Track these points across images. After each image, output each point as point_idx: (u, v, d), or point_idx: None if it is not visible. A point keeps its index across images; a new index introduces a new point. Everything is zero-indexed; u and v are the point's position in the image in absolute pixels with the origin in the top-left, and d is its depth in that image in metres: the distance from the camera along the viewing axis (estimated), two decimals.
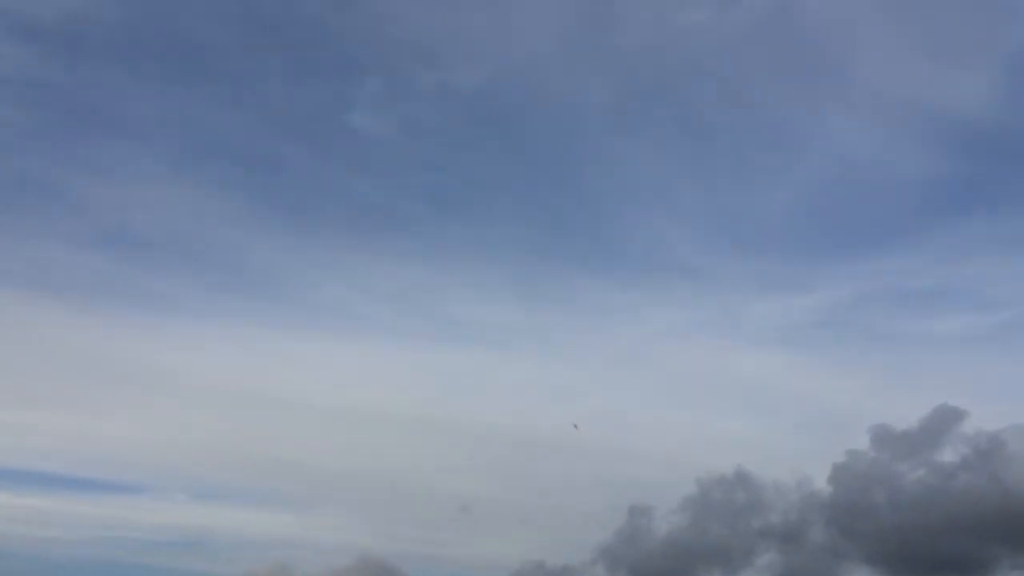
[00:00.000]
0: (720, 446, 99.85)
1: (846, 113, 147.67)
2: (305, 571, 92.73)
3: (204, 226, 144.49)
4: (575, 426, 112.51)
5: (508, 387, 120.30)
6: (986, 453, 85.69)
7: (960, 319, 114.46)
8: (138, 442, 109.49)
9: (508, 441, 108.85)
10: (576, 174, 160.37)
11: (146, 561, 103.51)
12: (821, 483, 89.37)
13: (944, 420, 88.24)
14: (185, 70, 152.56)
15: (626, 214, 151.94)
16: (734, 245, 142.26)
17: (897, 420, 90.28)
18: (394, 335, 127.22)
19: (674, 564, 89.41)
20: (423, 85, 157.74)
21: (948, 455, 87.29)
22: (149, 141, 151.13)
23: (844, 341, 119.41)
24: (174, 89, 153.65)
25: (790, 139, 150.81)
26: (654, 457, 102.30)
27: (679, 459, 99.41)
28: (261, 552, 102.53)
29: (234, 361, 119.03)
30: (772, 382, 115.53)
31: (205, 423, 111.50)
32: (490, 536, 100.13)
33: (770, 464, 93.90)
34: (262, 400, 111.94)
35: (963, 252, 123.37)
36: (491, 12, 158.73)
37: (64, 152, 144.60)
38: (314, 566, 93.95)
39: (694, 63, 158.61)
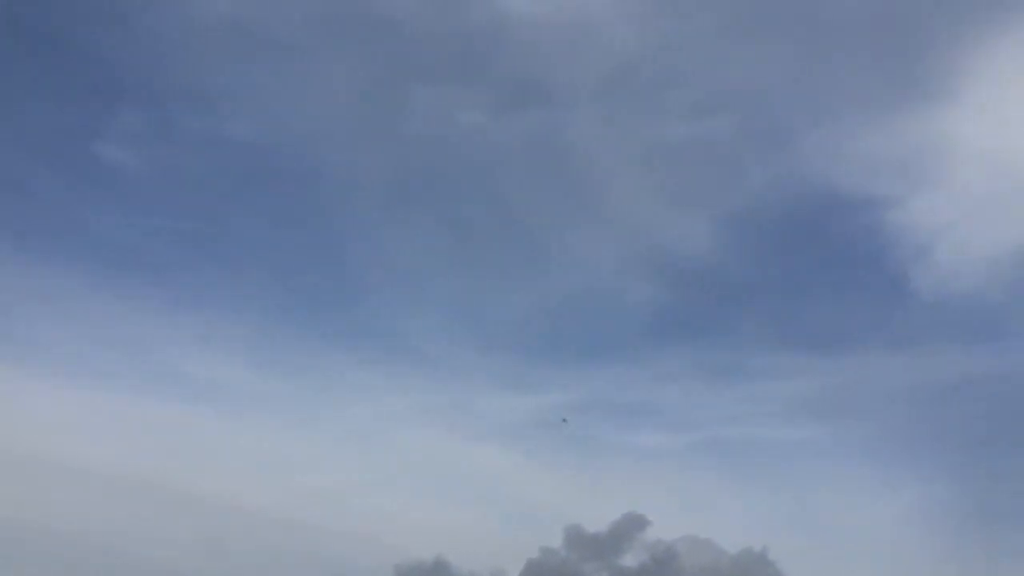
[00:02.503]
0: (425, 533, 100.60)
1: (590, 237, 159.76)
2: None
3: None
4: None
5: (229, 452, 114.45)
6: (662, 561, 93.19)
7: (656, 435, 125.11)
8: None
9: (219, 509, 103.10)
10: (336, 247, 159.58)
11: None
12: None
13: (630, 526, 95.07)
14: None
15: (377, 295, 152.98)
16: (473, 340, 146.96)
17: (590, 522, 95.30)
18: (113, 384, 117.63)
19: None
20: (190, 127, 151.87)
21: (629, 560, 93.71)
22: None
23: (556, 443, 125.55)
24: None
25: (539, 251, 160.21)
26: (360, 539, 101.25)
27: (384, 543, 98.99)
28: None
29: None
30: (485, 475, 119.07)
31: None
32: None
33: (470, 555, 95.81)
34: None
35: (669, 375, 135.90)
36: (280, 71, 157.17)
37: None
38: None
39: (467, 163, 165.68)
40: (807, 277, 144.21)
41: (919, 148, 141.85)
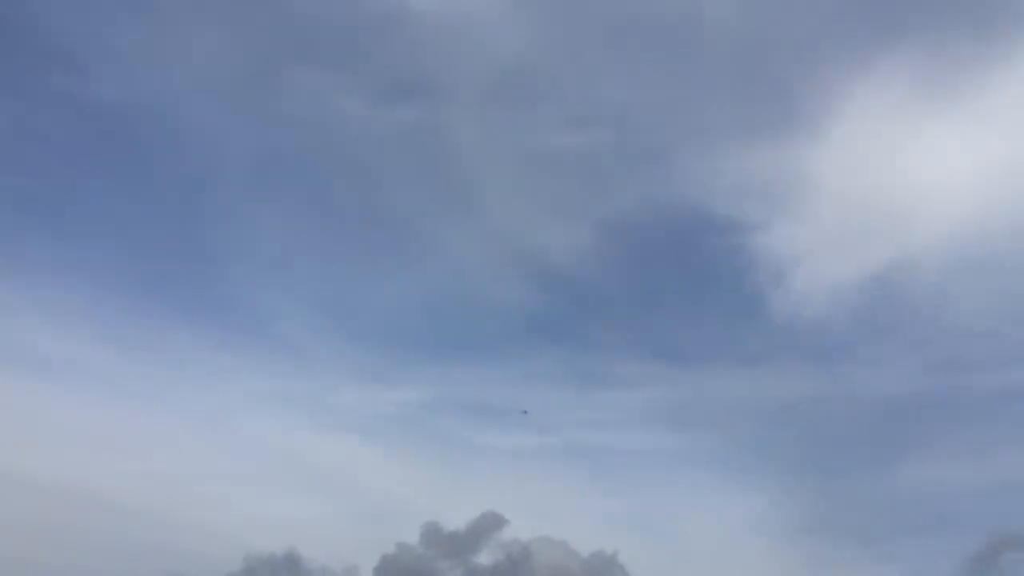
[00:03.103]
0: (277, 525, 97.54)
1: (465, 237, 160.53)
2: None
3: None
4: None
5: (69, 433, 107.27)
6: (516, 560, 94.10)
7: (518, 436, 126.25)
8: None
9: (56, 493, 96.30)
10: (198, 222, 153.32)
11: None
12: (367, 572, 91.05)
13: (487, 525, 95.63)
14: None
15: (240, 276, 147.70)
16: (339, 330, 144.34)
17: (448, 520, 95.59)
18: None
19: None
20: (50, 84, 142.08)
21: (485, 558, 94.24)
22: None
23: (417, 439, 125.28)
24: None
25: (412, 245, 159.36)
26: (207, 528, 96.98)
27: (233, 533, 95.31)
28: None
29: None
30: (343, 468, 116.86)
31: None
32: None
33: (324, 549, 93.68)
34: None
35: (534, 378, 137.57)
36: (153, 33, 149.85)
37: None
38: None
39: (344, 150, 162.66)
40: (671, 291, 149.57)
41: (783, 179, 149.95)
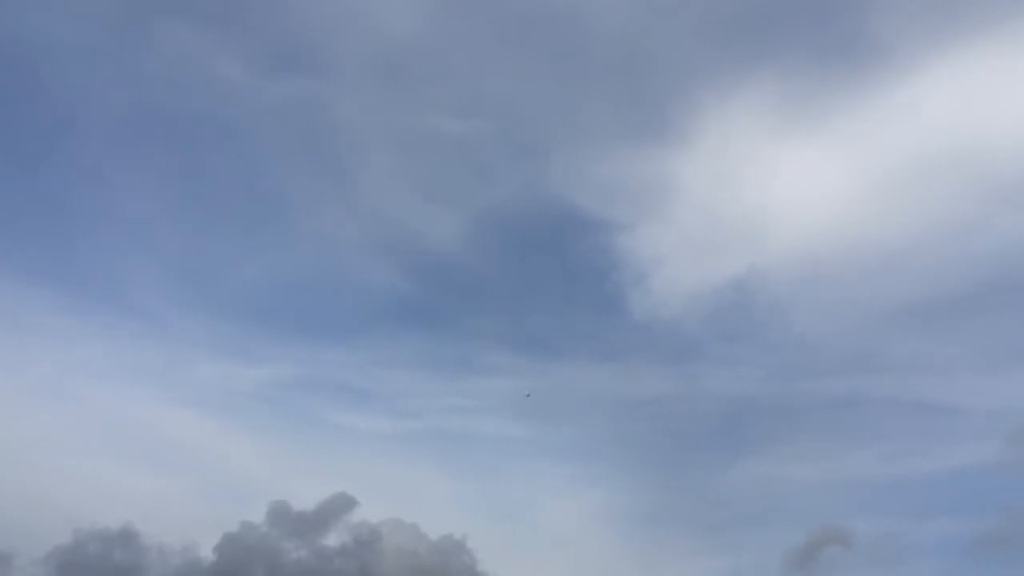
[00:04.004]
0: (114, 498, 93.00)
1: (339, 216, 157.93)
2: None
3: None
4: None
5: None
6: (365, 542, 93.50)
7: (376, 419, 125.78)
8: None
9: None
10: (51, 176, 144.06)
11: None
12: (208, 551, 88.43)
13: (338, 507, 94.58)
14: None
15: (94, 237, 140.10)
16: (199, 302, 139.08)
17: (298, 500, 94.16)
18: None
19: None
20: None
21: (332, 539, 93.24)
22: None
23: (273, 417, 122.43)
24: None
25: (283, 221, 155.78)
26: (34, 498, 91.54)
27: (63, 505, 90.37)
28: None
29: None
30: (190, 442, 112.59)
31: None
32: None
33: (163, 525, 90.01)
34: None
35: (397, 362, 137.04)
36: None
37: None
38: None
39: (218, 117, 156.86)
40: (539, 284, 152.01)
41: (651, 184, 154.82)
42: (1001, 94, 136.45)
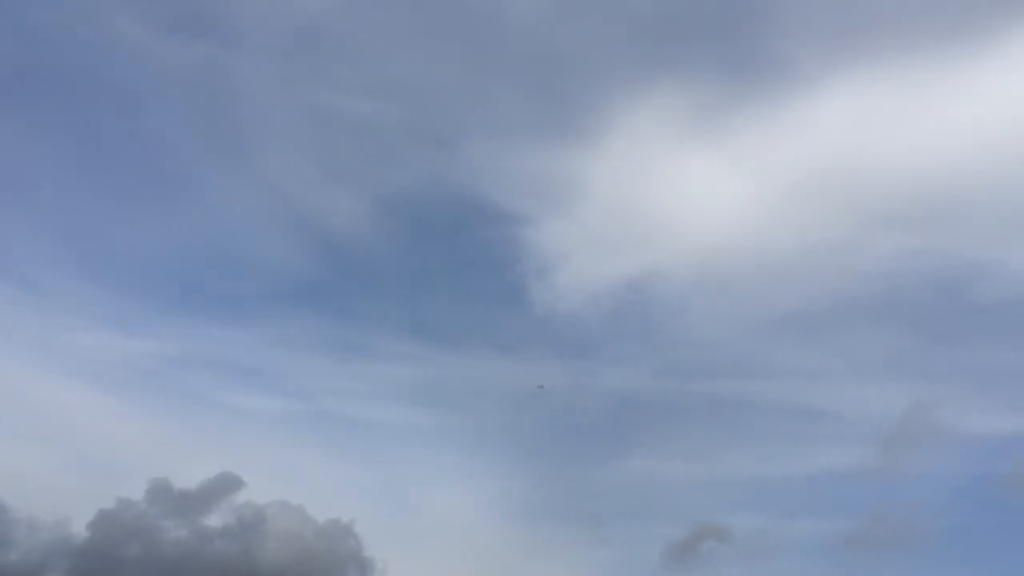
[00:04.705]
0: None
1: (238, 191, 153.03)
2: None
3: None
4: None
5: None
6: (249, 524, 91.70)
7: (265, 399, 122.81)
8: None
9: None
10: None
11: None
12: (81, 527, 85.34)
13: (222, 487, 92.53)
14: None
15: None
16: (83, 269, 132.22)
17: (180, 478, 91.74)
18: None
19: None
20: None
21: (215, 520, 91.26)
22: None
23: (157, 392, 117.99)
24: None
25: (179, 191, 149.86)
26: None
27: None
28: None
29: None
30: (68, 415, 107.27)
31: None
32: None
33: (33, 499, 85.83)
34: None
35: (290, 342, 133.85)
36: None
37: None
38: None
39: (114, 76, 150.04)
40: (440, 272, 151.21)
41: (558, 180, 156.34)
42: (890, 119, 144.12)
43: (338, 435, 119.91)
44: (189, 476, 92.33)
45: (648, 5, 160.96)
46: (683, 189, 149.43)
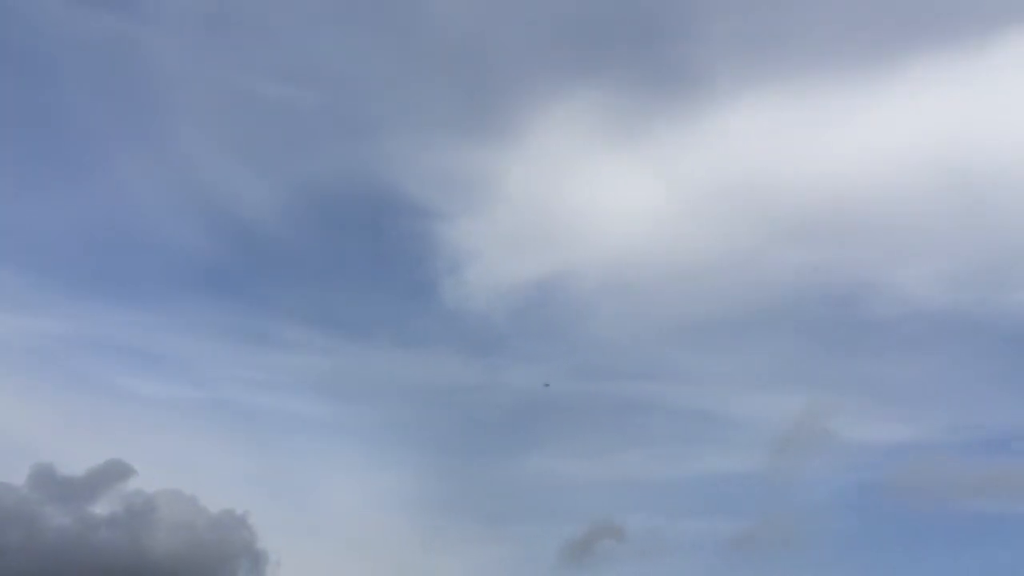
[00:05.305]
0: None
1: (146, 170, 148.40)
2: None
3: None
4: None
5: None
6: (138, 512, 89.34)
7: (162, 385, 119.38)
8: None
9: None
10: None
11: None
12: None
13: (111, 474, 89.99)
14: None
15: None
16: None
17: (66, 464, 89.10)
18: None
19: None
20: None
21: (102, 508, 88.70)
22: None
23: (48, 374, 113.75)
24: None
25: (84, 167, 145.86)
26: None
27: None
28: None
29: None
30: None
31: None
32: None
33: None
34: None
35: (191, 328, 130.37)
36: None
37: None
38: None
39: (20, 43, 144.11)
40: (352, 264, 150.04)
41: (474, 177, 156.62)
42: (798, 137, 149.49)
43: (237, 424, 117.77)
44: (75, 462, 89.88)
45: (573, 10, 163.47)
46: (597, 193, 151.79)
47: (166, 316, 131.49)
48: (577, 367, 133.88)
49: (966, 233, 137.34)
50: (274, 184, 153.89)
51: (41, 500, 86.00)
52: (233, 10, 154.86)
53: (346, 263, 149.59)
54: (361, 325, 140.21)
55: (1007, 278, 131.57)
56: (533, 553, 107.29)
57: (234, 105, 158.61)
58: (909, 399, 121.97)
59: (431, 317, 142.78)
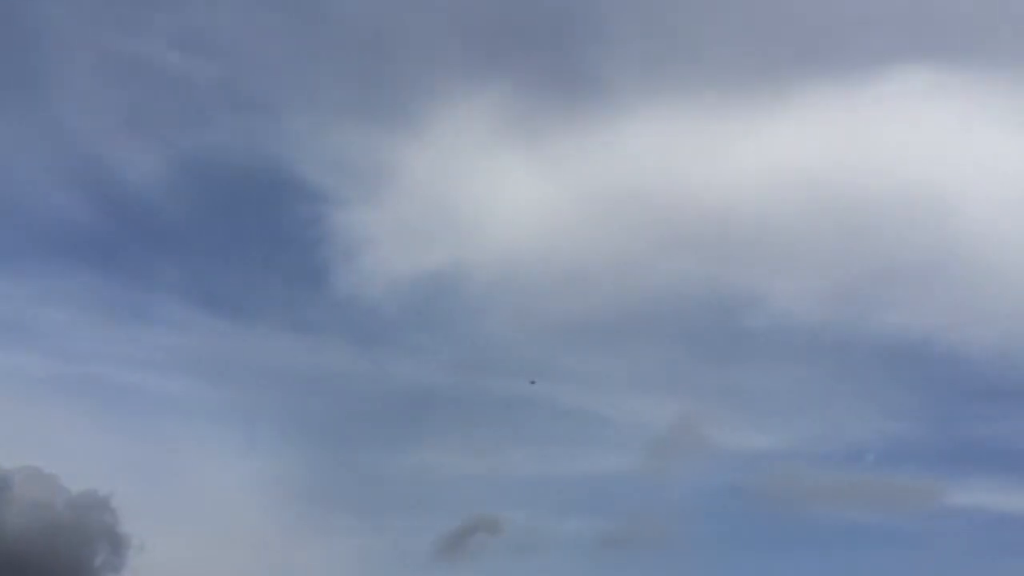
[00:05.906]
0: None
1: (24, 132, 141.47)
2: None
3: None
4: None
5: None
6: None
7: (25, 359, 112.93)
8: None
9: None
10: None
11: None
12: None
13: None
14: None
15: None
16: None
17: None
18: None
19: None
20: None
21: None
22: None
23: None
24: None
25: None
26: None
27: None
28: None
29: None
30: None
31: None
32: None
33: None
34: None
35: (58, 299, 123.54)
36: None
37: None
38: None
39: None
40: (241, 244, 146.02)
41: (374, 164, 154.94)
42: (690, 151, 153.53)
43: (104, 402, 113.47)
44: None
45: (483, 9, 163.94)
46: (495, 190, 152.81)
47: (32, 285, 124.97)
48: (464, 361, 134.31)
49: (840, 254, 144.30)
50: (162, 156, 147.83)
51: None
52: None
53: (235, 243, 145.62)
54: (246, 307, 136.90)
55: (876, 299, 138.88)
56: (407, 545, 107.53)
57: (123, 72, 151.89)
58: (776, 409, 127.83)
59: (320, 304, 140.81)
